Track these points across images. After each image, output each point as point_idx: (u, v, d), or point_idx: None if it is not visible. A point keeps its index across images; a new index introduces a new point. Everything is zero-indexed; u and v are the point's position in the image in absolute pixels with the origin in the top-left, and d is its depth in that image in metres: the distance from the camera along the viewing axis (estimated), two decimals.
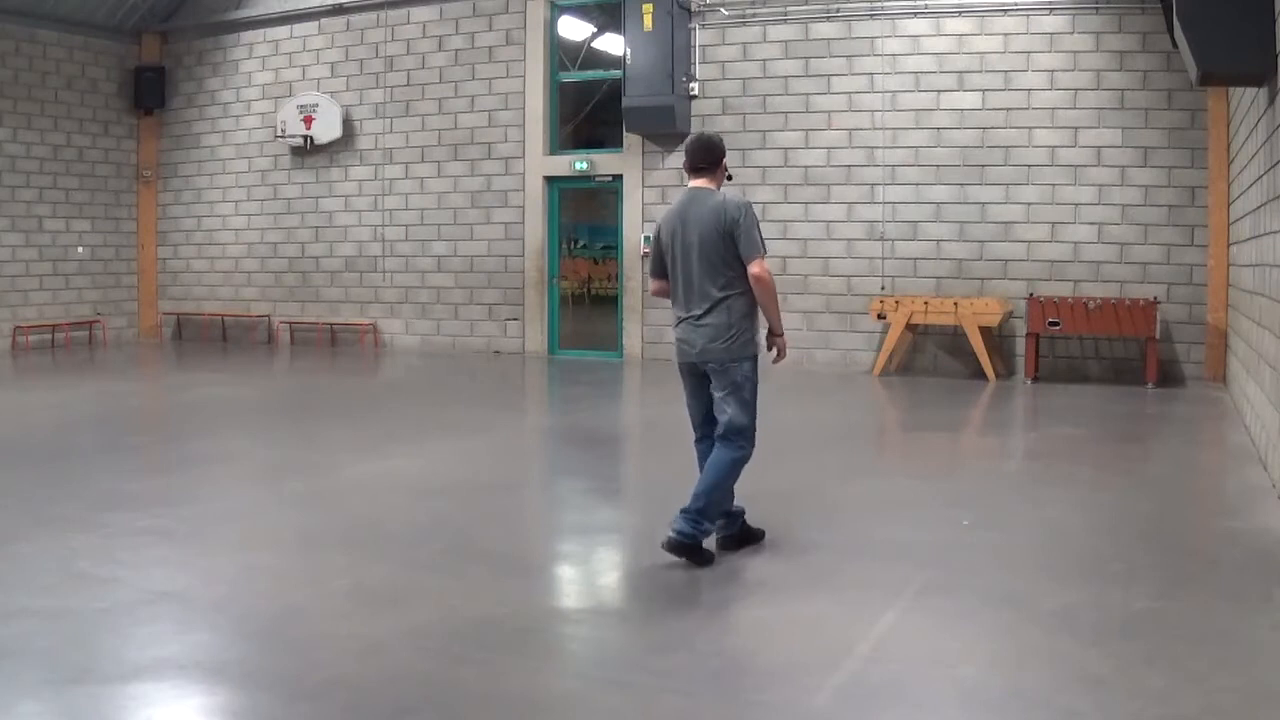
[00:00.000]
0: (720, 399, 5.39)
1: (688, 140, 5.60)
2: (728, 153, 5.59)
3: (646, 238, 14.78)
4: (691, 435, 5.68)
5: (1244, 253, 9.82)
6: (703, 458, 5.54)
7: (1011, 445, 9.82)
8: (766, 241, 5.50)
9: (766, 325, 5.46)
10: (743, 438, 5.37)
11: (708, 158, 5.47)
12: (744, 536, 5.62)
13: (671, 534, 5.29)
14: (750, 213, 5.29)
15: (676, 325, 5.52)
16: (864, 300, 13.59)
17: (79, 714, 3.70)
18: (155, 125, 18.20)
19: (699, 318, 5.37)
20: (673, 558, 5.33)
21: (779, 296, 5.59)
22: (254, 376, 14.02)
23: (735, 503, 5.54)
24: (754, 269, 5.25)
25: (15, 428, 9.71)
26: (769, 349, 5.54)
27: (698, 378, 5.51)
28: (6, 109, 16.43)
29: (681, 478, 7.72)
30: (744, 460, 5.40)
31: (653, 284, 5.64)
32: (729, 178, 5.60)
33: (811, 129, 13.97)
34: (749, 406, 5.37)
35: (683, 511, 5.32)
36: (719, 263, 5.29)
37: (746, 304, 5.34)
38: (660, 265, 5.53)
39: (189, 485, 7.28)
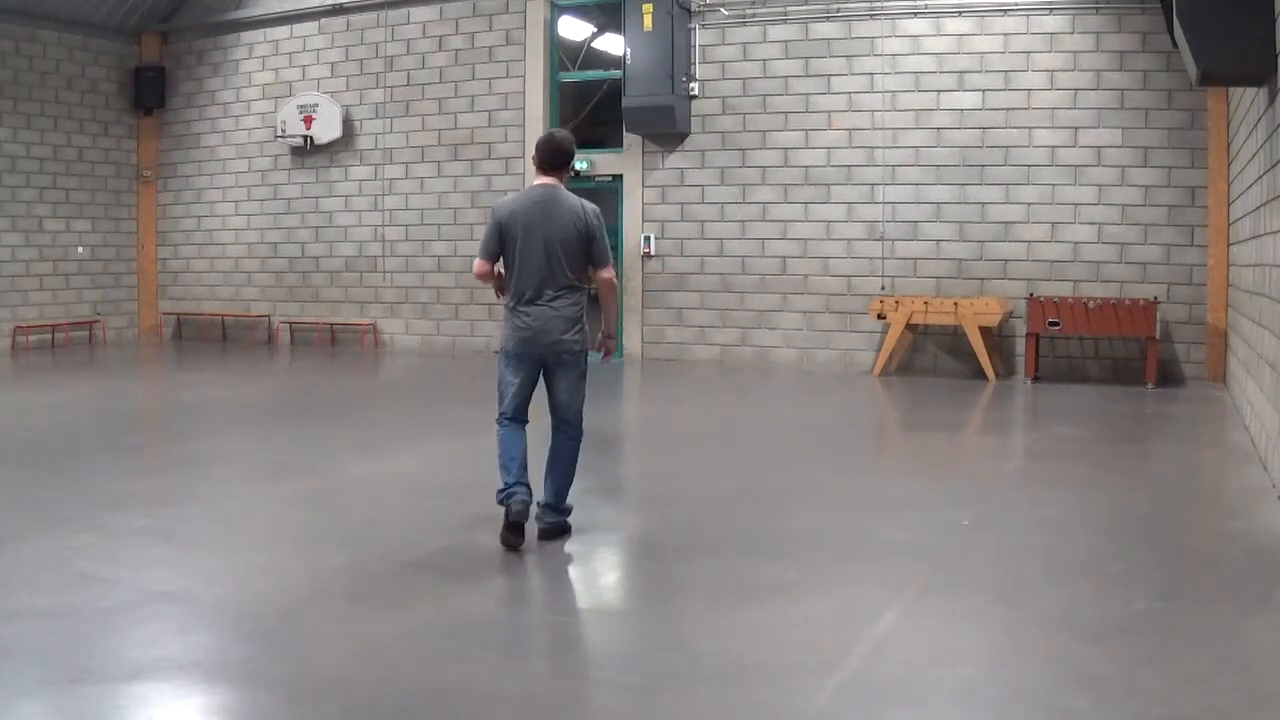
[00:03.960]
0: (566, 389, 5.71)
1: (541, 139, 5.80)
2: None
3: (646, 238, 14.80)
4: (507, 415, 5.78)
5: (1244, 253, 9.82)
6: (509, 438, 5.66)
7: (1011, 445, 9.83)
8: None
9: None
10: (580, 424, 5.81)
11: (558, 160, 5.71)
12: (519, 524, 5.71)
13: (544, 525, 5.75)
14: (603, 221, 5.74)
15: (518, 312, 5.63)
16: (864, 300, 13.58)
17: (79, 714, 3.71)
18: (155, 125, 18.20)
19: (555, 309, 5.58)
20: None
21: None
22: (254, 376, 14.02)
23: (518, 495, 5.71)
24: (607, 274, 5.70)
25: (15, 428, 9.70)
26: (598, 349, 6.03)
27: (537, 365, 5.67)
28: (6, 109, 16.42)
29: (682, 477, 7.75)
30: (580, 440, 5.84)
31: (481, 265, 5.72)
32: (575, 174, 5.86)
33: (811, 129, 13.96)
34: (584, 394, 5.81)
35: (546, 506, 5.77)
36: (574, 261, 5.61)
37: (587, 301, 5.76)
38: (496, 249, 5.68)
39: (189, 485, 7.28)
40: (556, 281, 5.57)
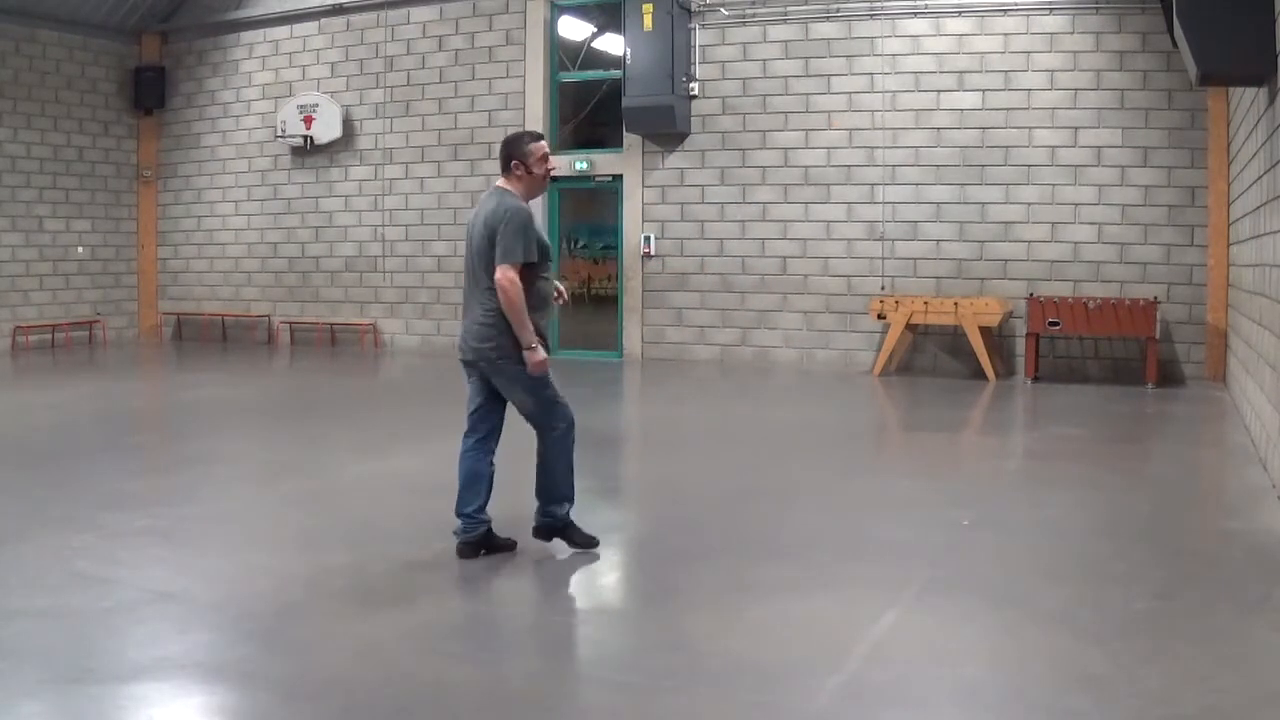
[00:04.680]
0: (512, 397, 5.45)
1: None
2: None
3: (646, 238, 14.81)
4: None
5: (1244, 253, 9.82)
6: (464, 457, 5.47)
7: (1011, 445, 9.82)
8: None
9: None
10: (549, 421, 5.44)
11: (503, 160, 5.47)
12: (488, 545, 5.53)
13: (535, 524, 5.61)
14: (514, 219, 5.23)
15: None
16: (864, 300, 13.59)
17: (79, 714, 3.70)
18: (155, 125, 18.20)
19: (472, 315, 5.40)
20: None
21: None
22: (254, 376, 14.02)
23: (485, 514, 5.47)
24: (498, 274, 5.20)
25: (15, 428, 9.70)
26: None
27: (476, 374, 5.49)
28: (6, 109, 16.42)
29: (682, 478, 7.75)
30: (563, 438, 5.46)
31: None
32: (545, 173, 5.45)
33: (811, 129, 13.96)
34: (541, 395, 5.40)
35: (539, 507, 5.57)
36: (488, 265, 5.27)
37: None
38: None
39: (189, 485, 7.28)
40: (476, 285, 5.36)
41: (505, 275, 5.19)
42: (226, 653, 4.26)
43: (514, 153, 5.43)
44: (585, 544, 5.61)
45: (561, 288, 5.85)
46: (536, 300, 5.35)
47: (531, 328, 5.26)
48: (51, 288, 17.14)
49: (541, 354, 5.30)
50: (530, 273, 5.29)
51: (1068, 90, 12.82)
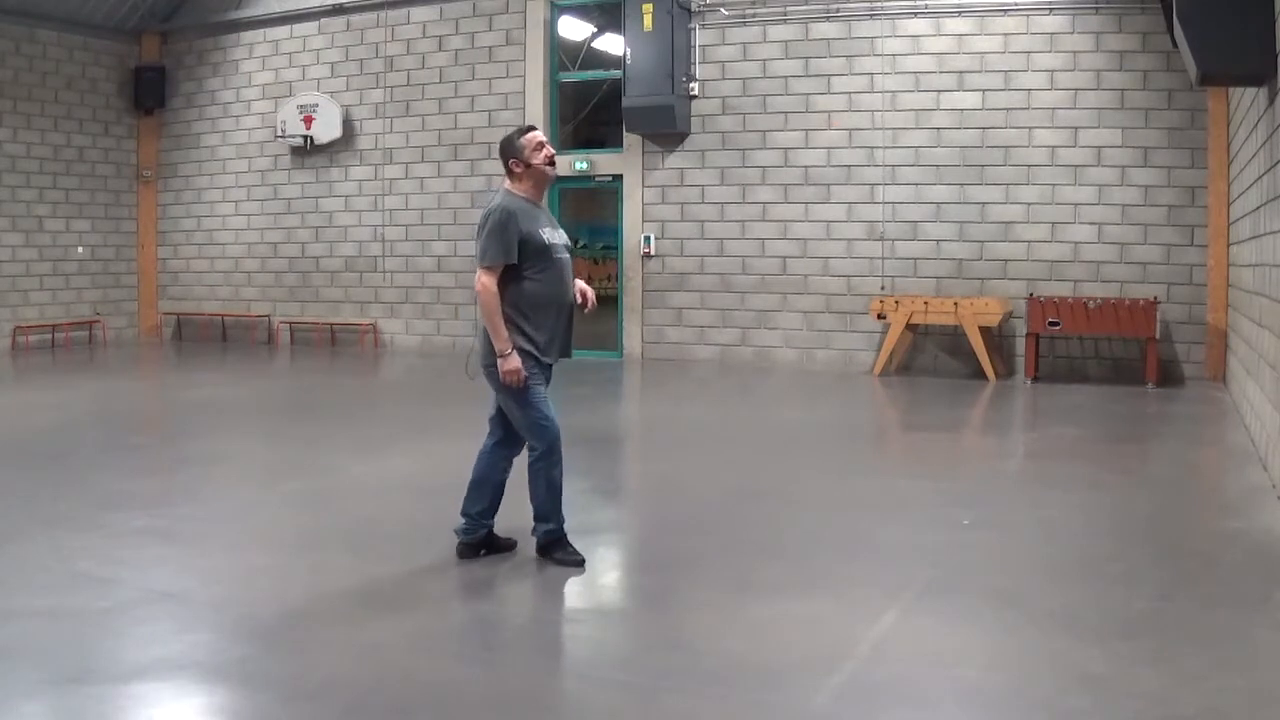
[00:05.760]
0: (501, 404, 5.33)
1: None
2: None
3: (646, 238, 14.81)
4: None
5: (1244, 253, 9.82)
6: (480, 456, 5.44)
7: (1011, 445, 9.82)
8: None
9: (540, 332, 5.22)
10: (532, 439, 5.27)
11: (501, 162, 5.36)
12: (489, 545, 5.49)
13: (534, 536, 5.42)
14: (493, 219, 5.10)
15: None
16: (864, 300, 13.59)
17: (79, 714, 3.70)
18: (155, 125, 18.20)
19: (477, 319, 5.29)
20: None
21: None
22: (254, 376, 14.02)
23: (489, 518, 5.43)
24: (476, 277, 5.13)
25: (15, 428, 9.70)
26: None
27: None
28: (6, 109, 16.43)
29: (682, 477, 7.75)
30: (541, 462, 5.26)
31: None
32: (545, 160, 5.26)
33: (811, 129, 13.96)
34: (525, 410, 5.21)
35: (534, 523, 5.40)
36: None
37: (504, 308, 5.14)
38: None
39: (189, 485, 7.28)
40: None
41: (478, 279, 5.11)
42: (226, 653, 4.25)
43: (508, 152, 5.31)
44: (563, 561, 5.32)
45: (586, 289, 5.47)
46: (529, 304, 5.17)
47: (504, 333, 5.08)
48: (51, 288, 17.15)
49: (515, 362, 5.07)
50: (516, 274, 5.14)
51: (1068, 90, 12.82)
